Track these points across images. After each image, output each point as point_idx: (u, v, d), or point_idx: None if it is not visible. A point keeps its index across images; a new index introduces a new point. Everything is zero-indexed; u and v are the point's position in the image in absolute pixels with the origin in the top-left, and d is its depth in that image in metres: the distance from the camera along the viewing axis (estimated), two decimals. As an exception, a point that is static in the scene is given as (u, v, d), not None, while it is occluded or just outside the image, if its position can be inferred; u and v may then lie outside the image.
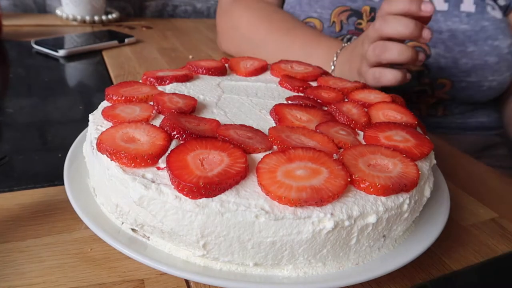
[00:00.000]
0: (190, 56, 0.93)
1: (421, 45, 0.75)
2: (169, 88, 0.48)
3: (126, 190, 0.32)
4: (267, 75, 0.57)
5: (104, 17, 1.13)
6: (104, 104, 0.44)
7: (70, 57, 0.85)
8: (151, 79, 0.49)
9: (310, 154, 0.34)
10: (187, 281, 0.34)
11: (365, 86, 0.55)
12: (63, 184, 0.39)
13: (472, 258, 0.40)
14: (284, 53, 0.73)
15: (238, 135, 0.37)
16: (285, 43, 0.76)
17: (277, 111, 0.43)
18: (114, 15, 1.16)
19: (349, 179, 0.33)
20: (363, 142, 0.40)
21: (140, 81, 0.50)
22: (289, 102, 0.47)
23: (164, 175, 0.33)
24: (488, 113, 0.85)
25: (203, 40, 1.09)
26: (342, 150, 0.37)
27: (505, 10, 0.79)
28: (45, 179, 0.45)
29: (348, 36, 0.80)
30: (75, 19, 1.11)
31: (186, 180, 0.31)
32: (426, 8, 0.54)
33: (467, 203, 0.49)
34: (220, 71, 0.55)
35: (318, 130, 0.40)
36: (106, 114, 0.40)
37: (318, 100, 0.48)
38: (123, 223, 0.36)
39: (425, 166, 0.39)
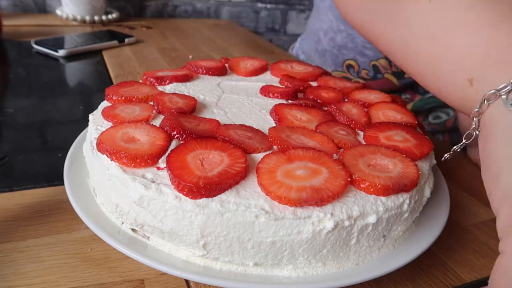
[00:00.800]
0: (190, 56, 0.93)
1: None
2: (169, 88, 0.48)
3: (126, 190, 0.32)
4: (267, 75, 0.57)
5: (104, 17, 1.13)
6: (104, 104, 0.44)
7: (70, 57, 0.85)
8: (151, 79, 0.49)
9: (310, 154, 0.34)
10: (187, 281, 0.34)
11: (365, 86, 0.55)
12: (63, 184, 0.39)
13: (472, 258, 0.40)
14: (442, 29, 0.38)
15: (238, 135, 0.37)
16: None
17: (277, 111, 0.43)
18: (114, 15, 1.16)
19: (349, 179, 0.33)
20: (363, 142, 0.40)
21: (140, 81, 0.50)
22: (289, 102, 0.47)
23: (164, 175, 0.33)
24: None
25: (203, 40, 1.09)
26: (342, 150, 0.37)
27: None
28: (45, 179, 0.45)
29: None
30: (75, 19, 1.11)
31: (186, 180, 0.31)
32: None
33: (467, 203, 0.49)
34: (220, 71, 0.55)
35: (318, 130, 0.40)
36: (106, 114, 0.40)
37: (318, 100, 0.48)
38: (123, 223, 0.36)
39: (425, 166, 0.39)
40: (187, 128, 0.37)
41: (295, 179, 0.32)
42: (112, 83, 0.74)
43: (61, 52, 0.84)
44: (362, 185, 0.33)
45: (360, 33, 0.49)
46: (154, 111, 0.41)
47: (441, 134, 0.80)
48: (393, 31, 0.42)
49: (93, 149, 0.37)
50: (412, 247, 0.36)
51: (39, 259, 0.35)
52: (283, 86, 0.52)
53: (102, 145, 0.35)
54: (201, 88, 0.50)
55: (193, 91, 0.48)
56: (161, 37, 1.07)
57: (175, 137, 0.36)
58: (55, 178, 0.45)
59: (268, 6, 1.47)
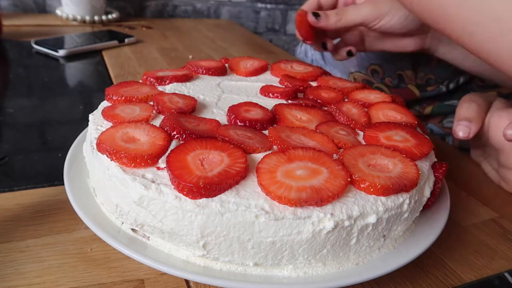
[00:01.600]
0: (190, 56, 0.93)
1: None
2: (169, 88, 0.48)
3: (126, 190, 0.32)
4: (267, 75, 0.57)
5: (104, 17, 1.13)
6: (104, 104, 0.44)
7: (70, 57, 0.85)
8: (151, 79, 0.49)
9: (310, 154, 0.34)
10: (187, 281, 0.34)
11: (365, 86, 0.55)
12: (63, 184, 0.39)
13: (472, 258, 0.40)
14: None
15: (238, 135, 0.37)
16: None
17: (277, 111, 0.43)
18: (114, 15, 1.16)
19: (349, 179, 0.33)
20: (363, 142, 0.40)
21: (140, 81, 0.50)
22: (289, 102, 0.47)
23: (164, 175, 0.33)
24: None
25: (203, 40, 1.09)
26: (342, 150, 0.37)
27: None
28: (45, 179, 0.45)
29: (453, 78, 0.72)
30: (75, 19, 1.11)
31: (186, 180, 0.31)
32: None
33: (467, 203, 0.49)
34: (220, 71, 0.55)
35: (318, 130, 0.40)
36: (106, 114, 0.40)
37: (318, 100, 0.48)
38: (123, 223, 0.36)
39: (425, 166, 0.39)
40: (187, 128, 0.37)
41: (295, 179, 0.32)
42: (112, 83, 0.74)
43: (61, 52, 0.84)
44: (362, 185, 0.33)
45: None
46: (154, 111, 0.41)
47: (452, 137, 0.80)
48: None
49: (93, 149, 0.37)
50: (412, 247, 0.36)
51: (39, 259, 0.35)
52: (283, 86, 0.52)
53: (102, 145, 0.35)
54: (201, 88, 0.50)
55: (193, 91, 0.48)
56: (161, 37, 1.07)
57: (175, 137, 0.36)
58: (55, 178, 0.45)
59: (268, 6, 1.47)
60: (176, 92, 0.47)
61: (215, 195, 0.31)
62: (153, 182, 0.32)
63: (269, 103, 0.47)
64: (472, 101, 0.51)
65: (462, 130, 0.49)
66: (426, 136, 0.42)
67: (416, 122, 0.45)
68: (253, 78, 0.56)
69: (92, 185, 0.40)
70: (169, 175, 0.32)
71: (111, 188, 0.34)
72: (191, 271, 0.32)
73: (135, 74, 0.79)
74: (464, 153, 0.61)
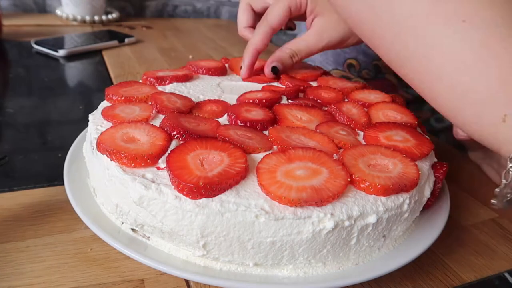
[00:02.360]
0: (190, 56, 0.93)
1: None
2: (169, 88, 0.48)
3: (126, 190, 0.32)
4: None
5: (104, 17, 1.13)
6: (104, 104, 0.44)
7: (70, 57, 0.85)
8: (151, 79, 0.49)
9: (310, 154, 0.34)
10: (187, 281, 0.34)
11: (365, 86, 0.55)
12: (63, 184, 0.39)
13: (472, 258, 0.40)
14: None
15: (238, 135, 0.37)
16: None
17: (277, 111, 0.43)
18: (114, 15, 1.16)
19: (349, 179, 0.33)
20: (363, 142, 0.40)
21: (140, 81, 0.50)
22: (290, 102, 0.47)
23: (164, 175, 0.33)
24: None
25: (203, 40, 1.09)
26: (342, 150, 0.37)
27: None
28: (45, 179, 0.45)
29: None
30: (75, 19, 1.11)
31: (186, 180, 0.31)
32: None
33: (467, 203, 0.49)
34: (220, 71, 0.55)
35: (318, 130, 0.40)
36: (105, 114, 0.40)
37: (318, 100, 0.48)
38: (123, 223, 0.36)
39: (425, 166, 0.39)
40: (187, 128, 0.37)
41: (295, 179, 0.32)
42: (112, 83, 0.74)
43: (61, 52, 0.84)
44: (362, 185, 0.33)
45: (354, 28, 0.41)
46: (154, 111, 0.41)
47: (444, 134, 0.80)
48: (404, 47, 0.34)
49: (93, 149, 0.37)
50: (412, 247, 0.36)
51: (39, 259, 0.35)
52: (284, 86, 0.52)
53: (102, 145, 0.35)
54: (201, 88, 0.50)
55: (193, 91, 0.48)
56: (161, 37, 1.07)
57: (175, 137, 0.36)
58: (55, 178, 0.45)
59: (268, 6, 1.47)
60: (176, 92, 0.47)
61: (215, 195, 0.31)
62: (153, 182, 0.32)
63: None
64: None
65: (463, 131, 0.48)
66: (426, 136, 0.42)
67: (416, 122, 0.45)
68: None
69: (92, 185, 0.40)
70: (169, 175, 0.32)
71: (111, 188, 0.34)
72: (191, 271, 0.32)
73: (135, 74, 0.79)
74: (464, 153, 0.61)
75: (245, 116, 0.41)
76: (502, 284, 0.38)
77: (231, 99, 0.47)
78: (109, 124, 0.39)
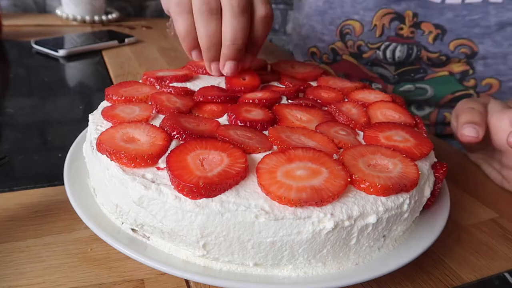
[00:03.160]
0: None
1: (469, 43, 0.68)
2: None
3: (126, 190, 0.32)
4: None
5: (104, 17, 1.13)
6: (104, 104, 0.44)
7: (70, 57, 0.85)
8: (151, 79, 0.49)
9: (310, 154, 0.34)
10: (187, 281, 0.34)
11: (365, 86, 0.55)
12: (63, 184, 0.39)
13: (472, 258, 0.40)
14: None
15: (238, 135, 0.37)
16: None
17: (277, 111, 0.43)
18: (114, 15, 1.16)
19: (349, 179, 0.33)
20: (363, 142, 0.40)
21: (140, 81, 0.50)
22: (290, 102, 0.47)
23: (164, 175, 0.33)
24: None
25: (203, 40, 1.09)
26: (342, 150, 0.37)
27: None
28: (45, 179, 0.45)
29: (387, 43, 0.73)
30: (75, 19, 1.11)
31: (186, 181, 0.31)
32: None
33: (467, 203, 0.49)
34: (220, 71, 0.55)
35: (318, 130, 0.40)
36: (105, 114, 0.40)
37: (318, 100, 0.48)
38: (123, 223, 0.36)
39: (425, 166, 0.39)
40: (187, 128, 0.37)
41: (295, 179, 0.32)
42: (112, 83, 0.74)
43: (61, 52, 0.84)
44: (362, 185, 0.33)
45: None
46: (154, 111, 0.41)
47: (427, 127, 0.80)
48: None
49: (93, 149, 0.37)
50: (412, 247, 0.36)
51: (39, 259, 0.35)
52: (284, 86, 0.52)
53: (102, 145, 0.35)
54: (201, 88, 0.50)
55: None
56: (161, 37, 1.07)
57: (175, 137, 0.36)
58: (55, 178, 0.45)
59: (268, 6, 1.47)
60: (176, 92, 0.47)
61: (215, 195, 0.31)
62: (153, 182, 0.32)
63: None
64: (472, 108, 0.51)
65: (470, 131, 0.48)
66: (426, 136, 0.42)
67: (414, 122, 0.45)
68: (253, 78, 0.56)
69: (92, 185, 0.40)
70: (169, 175, 0.32)
71: (111, 188, 0.34)
72: (191, 271, 0.32)
73: (135, 74, 0.79)
74: (464, 153, 0.61)
75: (245, 116, 0.41)
76: (502, 284, 0.38)
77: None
78: (109, 124, 0.39)
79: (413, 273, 0.37)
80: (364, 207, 0.32)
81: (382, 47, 0.74)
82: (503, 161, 0.51)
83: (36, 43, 0.87)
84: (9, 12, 1.16)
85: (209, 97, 0.44)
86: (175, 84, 0.49)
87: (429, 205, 0.39)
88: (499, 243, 0.43)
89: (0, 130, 0.57)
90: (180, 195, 0.31)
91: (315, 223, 0.31)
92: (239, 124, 0.40)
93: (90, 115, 0.41)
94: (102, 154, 0.35)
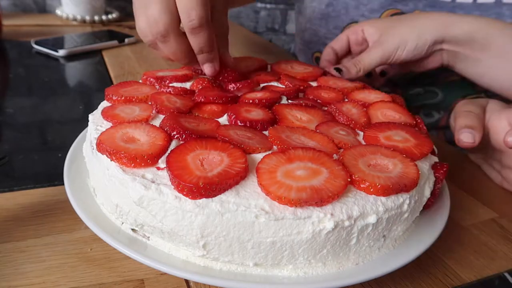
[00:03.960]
0: (190, 56, 0.93)
1: None
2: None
3: (126, 190, 0.32)
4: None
5: (104, 17, 1.13)
6: (104, 104, 0.44)
7: (70, 57, 0.85)
8: (151, 79, 0.49)
9: (310, 154, 0.34)
10: (187, 281, 0.34)
11: (365, 87, 0.55)
12: (63, 184, 0.39)
13: (472, 258, 0.40)
14: None
15: (238, 135, 0.37)
16: None
17: (277, 111, 0.43)
18: (114, 15, 1.16)
19: (349, 179, 0.33)
20: (363, 142, 0.40)
21: (140, 81, 0.50)
22: (290, 102, 0.47)
23: (164, 175, 0.33)
24: None
25: (203, 40, 1.09)
26: (342, 150, 0.37)
27: None
28: (45, 179, 0.45)
29: None
30: (75, 19, 1.11)
31: (186, 181, 0.31)
32: None
33: (467, 203, 0.49)
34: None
35: (318, 130, 0.40)
36: (105, 114, 0.40)
37: (318, 100, 0.48)
38: (123, 223, 0.36)
39: (425, 166, 0.39)
40: (187, 128, 0.37)
41: (295, 179, 0.32)
42: (112, 83, 0.74)
43: (61, 52, 0.84)
44: (362, 185, 0.33)
45: None
46: (153, 111, 0.41)
47: (435, 131, 0.80)
48: None
49: (93, 149, 0.37)
50: (412, 247, 0.36)
51: (39, 259, 0.35)
52: (284, 86, 0.52)
53: (102, 145, 0.35)
54: (201, 88, 0.49)
55: (193, 91, 0.48)
56: (161, 37, 1.06)
57: (175, 137, 0.36)
58: (55, 178, 0.45)
59: (268, 6, 1.47)
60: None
61: (215, 195, 0.31)
62: (153, 182, 0.32)
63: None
64: (469, 111, 0.51)
65: (466, 136, 0.48)
66: (426, 136, 0.42)
67: (414, 122, 0.45)
68: (253, 78, 0.55)
69: (92, 185, 0.40)
70: (169, 175, 0.32)
71: (111, 188, 0.34)
72: (191, 271, 0.32)
73: (135, 74, 0.79)
74: (464, 153, 0.61)
75: (245, 116, 0.41)
76: (502, 284, 0.38)
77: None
78: (109, 124, 0.39)
79: (413, 273, 0.37)
80: (364, 207, 0.32)
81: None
82: (503, 161, 0.51)
83: (36, 43, 0.87)
84: (9, 12, 1.16)
85: (211, 98, 0.44)
86: (175, 84, 0.49)
87: (429, 205, 0.39)
88: (499, 243, 0.43)
89: (0, 130, 0.57)
90: (180, 195, 0.31)
91: (315, 223, 0.31)
92: (239, 124, 0.40)
93: (90, 115, 0.41)
94: (102, 154, 0.35)
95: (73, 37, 0.94)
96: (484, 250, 0.41)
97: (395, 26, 0.59)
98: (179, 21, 0.46)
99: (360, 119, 0.44)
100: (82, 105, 0.66)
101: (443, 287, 0.37)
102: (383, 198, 0.33)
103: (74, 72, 0.82)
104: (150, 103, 0.43)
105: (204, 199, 0.31)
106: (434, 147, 0.42)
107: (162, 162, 0.34)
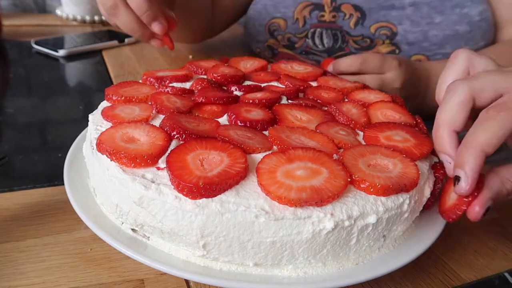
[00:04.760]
0: (190, 56, 0.93)
1: (388, 24, 0.73)
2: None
3: (126, 190, 0.32)
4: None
5: (104, 17, 1.13)
6: (104, 104, 0.44)
7: (70, 57, 0.85)
8: (151, 79, 0.49)
9: (310, 155, 0.34)
10: (187, 281, 0.34)
11: (365, 87, 0.55)
12: (63, 184, 0.39)
13: (472, 258, 0.40)
14: None
15: (238, 135, 0.37)
16: None
17: (277, 111, 0.43)
18: (114, 15, 1.16)
19: (349, 179, 0.33)
20: (363, 142, 0.40)
21: (140, 81, 0.50)
22: (290, 102, 0.47)
23: (164, 175, 0.33)
24: None
25: (203, 40, 1.09)
26: (342, 150, 0.37)
27: None
28: (45, 179, 0.45)
29: (312, 30, 0.80)
30: (75, 19, 1.11)
31: (186, 181, 0.31)
32: None
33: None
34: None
35: (318, 130, 0.40)
36: (105, 114, 0.40)
37: (318, 100, 0.48)
38: (123, 223, 0.36)
39: (425, 166, 0.39)
40: (187, 128, 0.37)
41: (295, 179, 0.32)
42: (112, 83, 0.74)
43: (61, 52, 0.84)
44: (362, 185, 0.33)
45: None
46: (154, 111, 0.41)
47: None
48: None
49: (93, 149, 0.37)
50: (412, 247, 0.36)
51: (39, 259, 0.35)
52: (284, 86, 0.52)
53: (102, 145, 0.35)
54: (201, 88, 0.49)
55: (193, 91, 0.48)
56: (161, 37, 1.07)
57: (175, 137, 0.36)
58: (55, 178, 0.45)
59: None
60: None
61: (215, 195, 0.31)
62: (153, 182, 0.32)
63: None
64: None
65: (447, 168, 0.36)
66: (426, 136, 0.42)
67: (414, 122, 0.45)
68: (253, 78, 0.55)
69: (92, 185, 0.40)
70: (169, 175, 0.32)
71: (111, 188, 0.34)
72: (191, 271, 0.32)
73: (135, 74, 0.79)
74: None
75: (245, 116, 0.41)
76: (502, 284, 0.38)
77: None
78: (109, 124, 0.39)
79: (413, 273, 0.37)
80: (364, 207, 0.32)
81: (309, 34, 0.80)
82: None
83: (36, 43, 0.87)
84: (9, 12, 1.16)
85: (212, 98, 0.44)
86: (174, 84, 0.49)
87: (429, 205, 0.39)
88: (499, 243, 0.43)
89: (0, 130, 0.57)
90: (180, 195, 0.31)
91: (315, 223, 0.31)
92: (239, 124, 0.40)
93: (90, 115, 0.41)
94: (102, 154, 0.35)
95: (73, 37, 0.94)
96: (484, 250, 0.41)
97: None
98: None
99: (360, 119, 0.44)
100: (82, 105, 0.66)
101: (443, 287, 0.36)
102: (383, 198, 0.33)
103: (74, 72, 0.82)
104: (150, 103, 0.43)
105: (204, 199, 0.31)
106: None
107: (162, 162, 0.34)
